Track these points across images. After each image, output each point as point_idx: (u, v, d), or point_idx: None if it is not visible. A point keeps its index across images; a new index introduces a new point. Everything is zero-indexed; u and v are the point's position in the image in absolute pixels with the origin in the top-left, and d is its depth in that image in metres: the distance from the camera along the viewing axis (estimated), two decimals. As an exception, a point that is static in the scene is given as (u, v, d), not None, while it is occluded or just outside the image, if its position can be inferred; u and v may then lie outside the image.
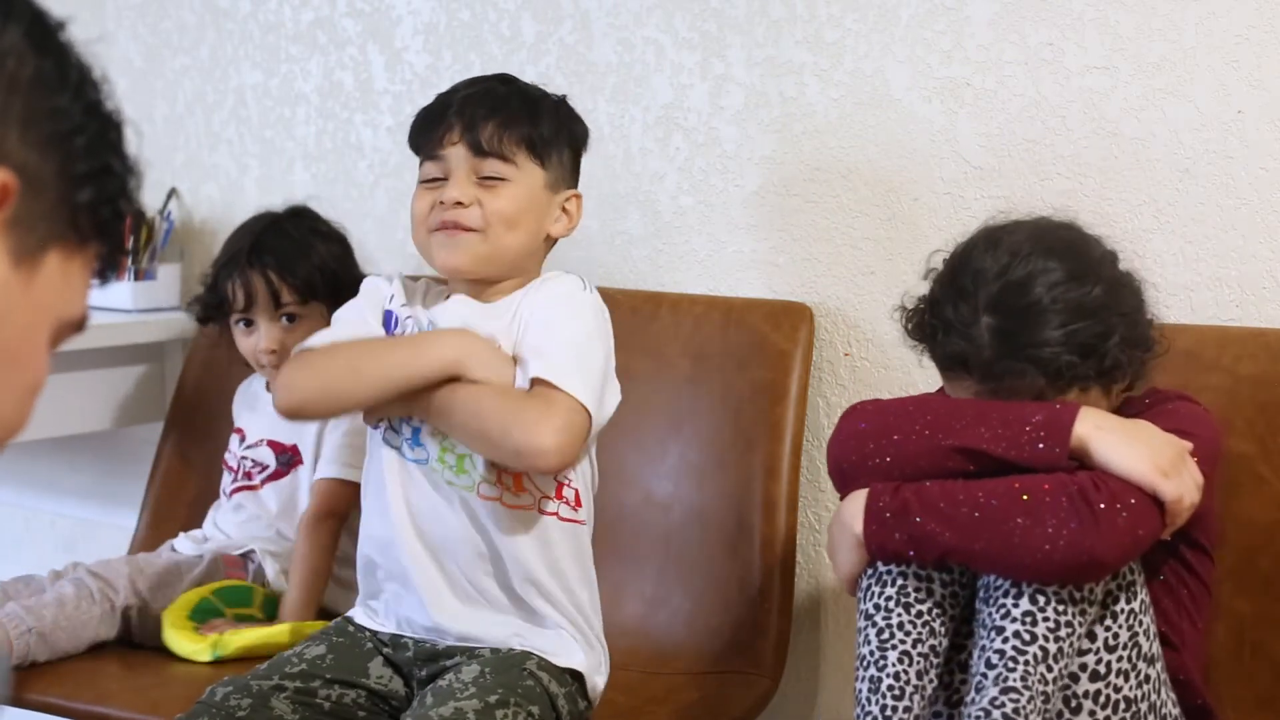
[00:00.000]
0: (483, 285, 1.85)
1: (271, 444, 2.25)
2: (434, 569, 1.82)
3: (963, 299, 1.64)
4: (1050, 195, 2.02)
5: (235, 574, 2.18)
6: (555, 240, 1.89)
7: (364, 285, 1.94)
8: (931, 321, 1.68)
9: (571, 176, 1.90)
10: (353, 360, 1.81)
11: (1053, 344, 1.59)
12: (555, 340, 1.77)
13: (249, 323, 2.24)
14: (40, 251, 0.86)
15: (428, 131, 1.86)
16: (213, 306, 2.28)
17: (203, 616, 2.10)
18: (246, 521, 2.25)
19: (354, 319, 1.89)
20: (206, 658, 2.01)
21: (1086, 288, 1.62)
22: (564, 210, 1.87)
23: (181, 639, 2.05)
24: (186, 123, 2.75)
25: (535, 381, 1.74)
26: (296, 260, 2.23)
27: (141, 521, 2.48)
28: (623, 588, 2.10)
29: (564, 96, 1.93)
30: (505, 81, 1.91)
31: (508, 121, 1.83)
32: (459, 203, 1.80)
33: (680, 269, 2.32)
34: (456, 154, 1.83)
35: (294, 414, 1.87)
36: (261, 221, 2.30)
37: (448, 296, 1.87)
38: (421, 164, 1.88)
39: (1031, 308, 1.60)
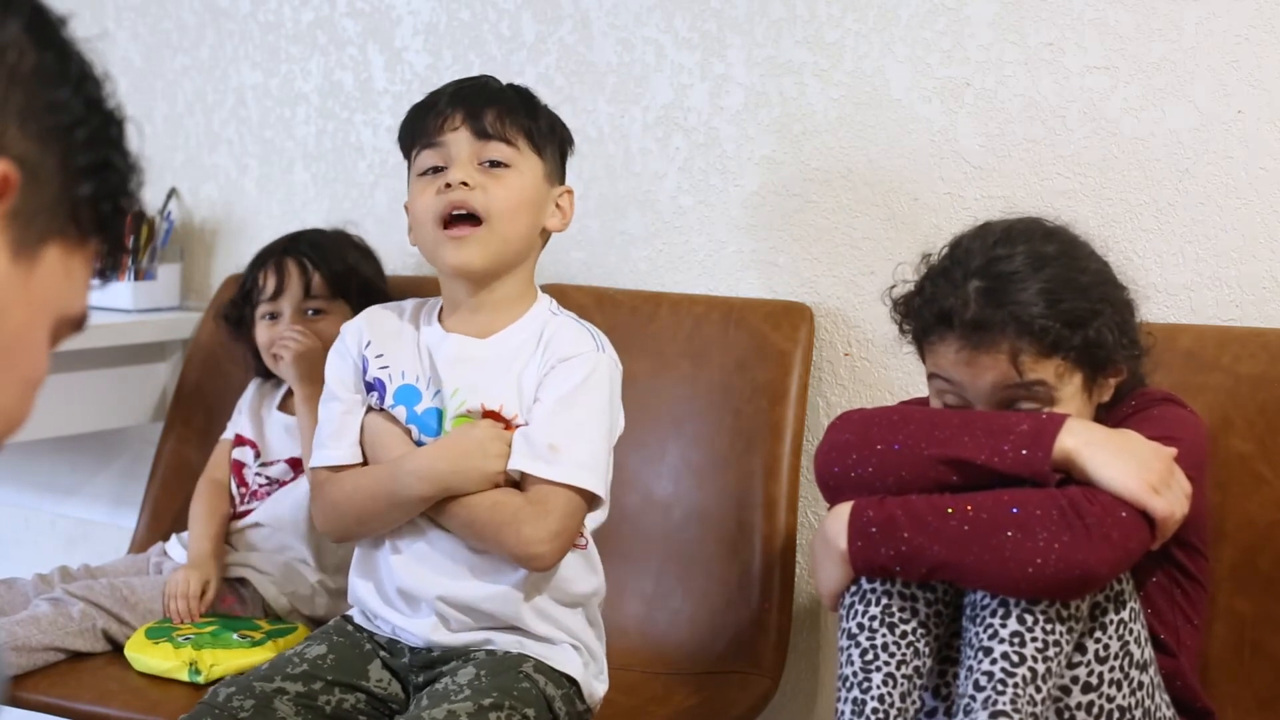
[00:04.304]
0: (481, 315, 1.83)
1: (290, 461, 2.25)
2: (425, 607, 1.82)
3: (952, 268, 1.64)
4: (1050, 195, 2.02)
5: (227, 600, 2.15)
6: (549, 235, 1.89)
7: (329, 362, 1.91)
8: (918, 294, 1.67)
9: (562, 173, 1.90)
10: (362, 511, 1.83)
11: (1038, 305, 1.57)
12: (565, 431, 1.76)
13: (274, 316, 2.24)
14: (39, 245, 0.86)
15: (424, 120, 1.83)
16: (240, 303, 2.29)
17: (160, 634, 2.05)
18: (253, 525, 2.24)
19: (338, 416, 1.87)
20: (184, 676, 1.97)
21: (1074, 273, 1.62)
22: (558, 205, 1.87)
23: (151, 658, 2.00)
24: (186, 123, 2.75)
25: (534, 480, 1.75)
26: (332, 255, 2.28)
27: (141, 521, 2.48)
28: (623, 588, 2.10)
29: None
30: (494, 80, 1.91)
31: (508, 110, 1.83)
32: (464, 183, 1.78)
33: (680, 269, 2.32)
34: (458, 139, 1.80)
35: (338, 540, 1.98)
36: (301, 229, 2.37)
37: (440, 317, 1.86)
38: (417, 155, 1.84)
39: (1018, 273, 1.59)
